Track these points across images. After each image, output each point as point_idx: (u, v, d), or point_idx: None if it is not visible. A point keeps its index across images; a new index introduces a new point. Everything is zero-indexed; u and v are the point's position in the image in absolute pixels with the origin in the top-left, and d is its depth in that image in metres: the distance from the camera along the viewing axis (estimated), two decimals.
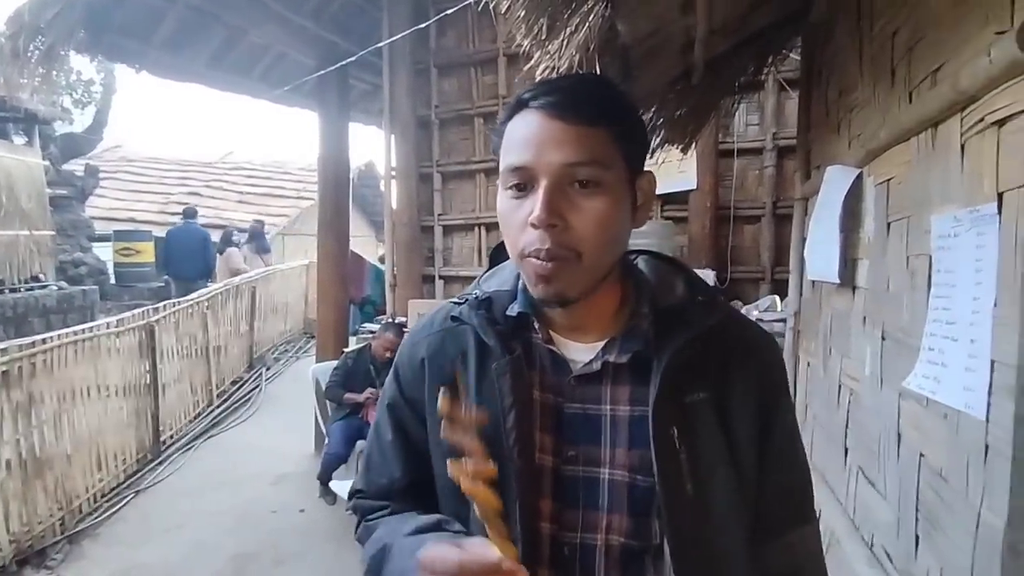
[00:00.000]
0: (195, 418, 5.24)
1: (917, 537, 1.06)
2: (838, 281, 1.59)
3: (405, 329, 3.94)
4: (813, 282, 2.02)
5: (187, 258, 7.75)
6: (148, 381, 4.42)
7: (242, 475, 4.25)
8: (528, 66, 1.73)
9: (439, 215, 4.29)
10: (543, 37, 1.62)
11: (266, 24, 4.07)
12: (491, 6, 1.76)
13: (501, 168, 0.66)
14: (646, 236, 3.70)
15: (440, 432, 0.65)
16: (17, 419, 3.03)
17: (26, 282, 6.57)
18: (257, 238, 9.05)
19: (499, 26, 3.95)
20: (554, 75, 1.76)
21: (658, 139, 2.40)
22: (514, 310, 0.73)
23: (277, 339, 8.13)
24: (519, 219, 0.63)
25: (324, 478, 3.73)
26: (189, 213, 8.27)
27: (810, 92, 2.26)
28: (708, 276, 3.69)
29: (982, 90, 0.85)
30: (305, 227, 11.95)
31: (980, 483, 0.84)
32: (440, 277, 4.31)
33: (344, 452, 3.66)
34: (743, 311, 3.52)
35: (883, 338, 1.28)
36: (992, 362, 0.81)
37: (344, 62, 3.83)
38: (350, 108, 4.74)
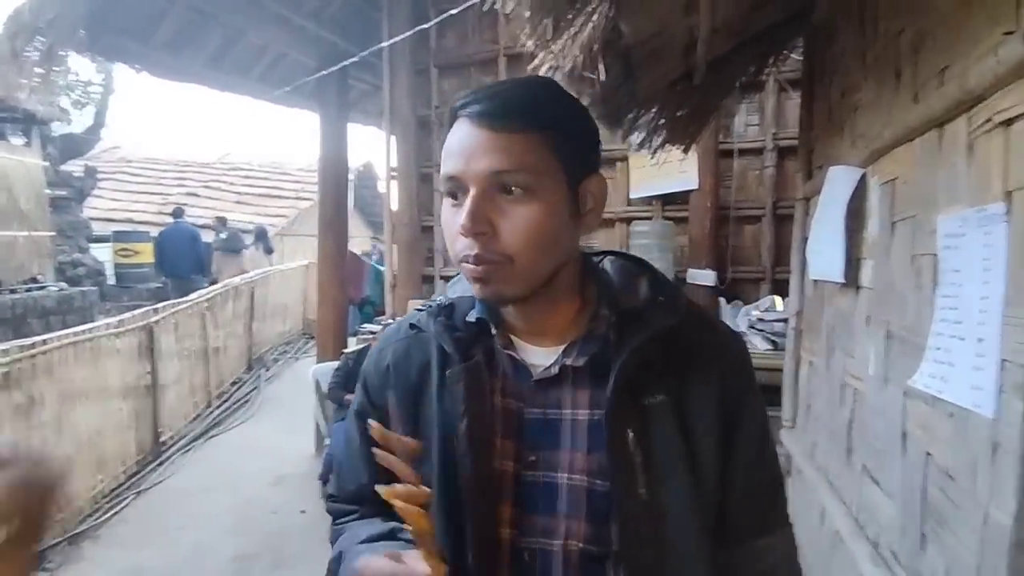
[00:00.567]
0: (194, 419, 5.24)
1: (923, 535, 1.06)
2: (842, 280, 1.59)
3: None
4: (815, 281, 2.02)
5: (179, 256, 7.98)
6: (148, 382, 4.42)
7: (242, 476, 4.25)
8: (532, 66, 1.73)
9: (439, 215, 4.29)
10: (548, 37, 1.62)
11: (265, 24, 4.07)
12: (494, 6, 1.76)
13: (440, 176, 0.68)
14: (646, 236, 3.72)
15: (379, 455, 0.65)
16: (17, 420, 3.02)
17: (25, 283, 6.55)
18: (262, 239, 9.12)
19: (500, 27, 3.95)
20: (556, 74, 1.76)
21: (659, 139, 2.40)
22: (473, 316, 0.73)
23: (276, 340, 8.13)
24: (455, 226, 0.64)
25: (326, 478, 3.72)
26: (177, 212, 8.50)
27: (812, 92, 2.27)
28: (708, 276, 3.70)
29: (989, 90, 0.86)
30: (303, 228, 11.95)
31: (988, 481, 0.84)
32: (441, 277, 4.31)
33: None
34: (744, 311, 3.53)
35: (888, 337, 1.28)
36: (1002, 361, 0.81)
37: (344, 63, 3.84)
38: (350, 108, 4.75)
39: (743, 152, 3.77)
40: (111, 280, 9.61)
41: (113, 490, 3.86)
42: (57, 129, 9.47)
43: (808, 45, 2.33)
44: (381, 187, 14.03)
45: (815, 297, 2.08)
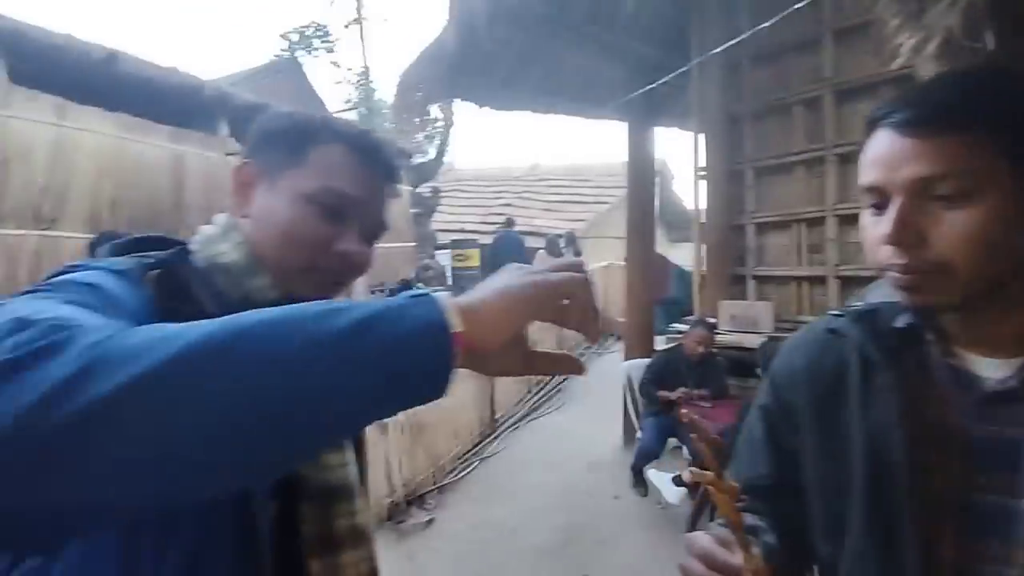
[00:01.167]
0: (519, 403, 5.99)
1: None
2: None
3: (716, 329, 3.89)
4: None
5: (508, 259, 9.14)
6: None
7: (559, 457, 4.72)
8: (893, 50, 1.56)
9: (752, 213, 4.10)
10: (915, 11, 1.45)
11: (582, 48, 4.45)
12: None
13: (859, 186, 0.65)
14: None
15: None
16: None
17: (399, 284, 8.35)
18: (572, 244, 10.06)
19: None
20: (928, 50, 1.56)
21: None
22: (902, 322, 0.69)
23: (581, 337, 8.75)
24: (877, 234, 0.62)
25: (637, 469, 3.91)
26: (509, 223, 10.08)
27: None
28: None
29: None
30: (602, 231, 12.60)
31: None
32: (753, 277, 4.12)
33: (657, 446, 3.79)
34: None
35: None
36: None
37: (671, 75, 3.96)
38: (655, 113, 4.86)
39: None
40: (448, 281, 11.63)
41: (464, 454, 4.69)
42: (415, 160, 11.81)
43: None
44: (675, 186, 14.00)
45: None
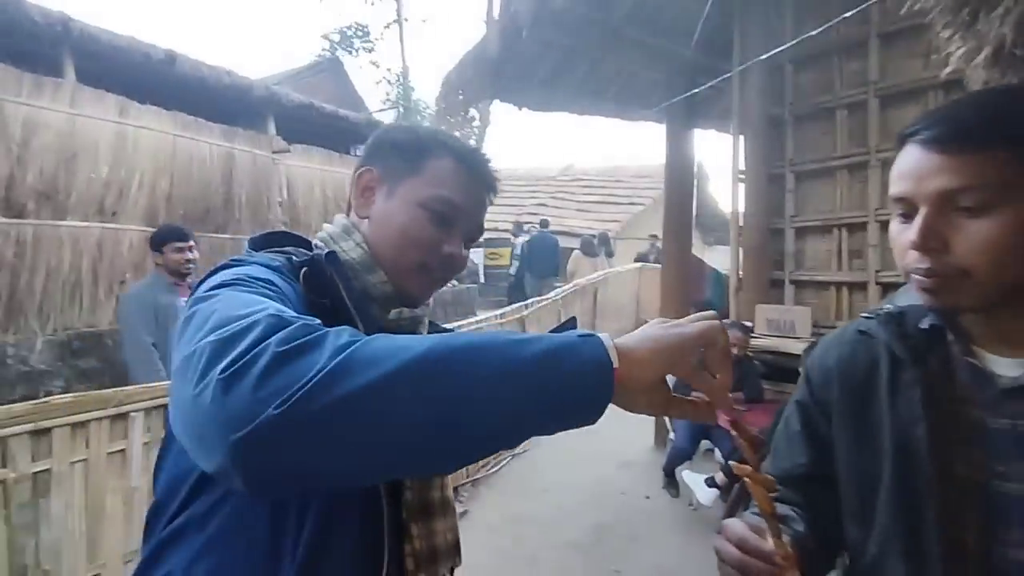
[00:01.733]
0: None
1: None
2: None
3: (753, 332, 3.89)
4: None
5: (543, 259, 9.62)
6: None
7: (591, 456, 4.76)
8: (943, 57, 1.58)
9: (791, 217, 4.08)
10: (968, 20, 1.47)
11: (622, 50, 4.48)
12: None
13: (889, 196, 0.72)
14: None
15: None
16: None
17: None
18: (604, 244, 10.15)
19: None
20: (978, 59, 1.58)
21: None
22: (926, 323, 0.75)
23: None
24: (903, 242, 0.68)
25: (669, 470, 3.94)
26: (544, 224, 10.31)
27: None
28: None
29: None
30: (636, 231, 12.55)
31: None
32: (791, 282, 4.10)
33: (690, 448, 3.81)
34: None
35: None
36: None
37: (715, 81, 3.98)
38: (695, 116, 4.86)
39: None
40: (481, 279, 11.76)
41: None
42: None
43: None
44: (710, 188, 13.86)
45: None
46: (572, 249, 10.10)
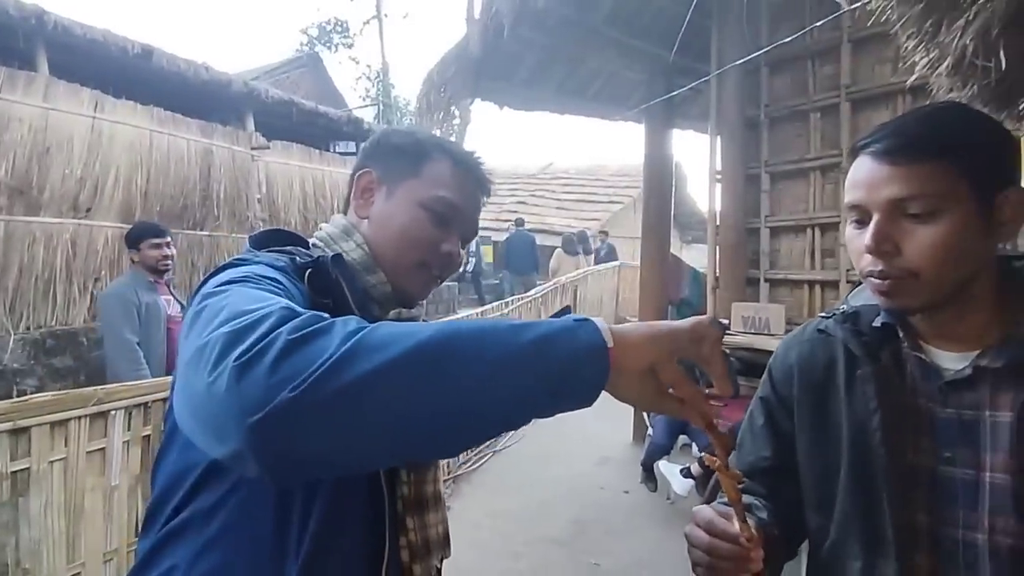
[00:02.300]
0: None
1: None
2: None
3: (729, 330, 3.97)
4: None
5: (521, 257, 9.98)
6: None
7: (570, 452, 4.82)
8: (909, 64, 1.65)
9: (766, 217, 4.17)
10: (931, 32, 1.54)
11: (602, 50, 4.53)
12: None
13: (844, 204, 0.78)
14: None
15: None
16: None
17: None
18: (583, 242, 10.28)
19: (847, 2, 3.65)
20: (941, 68, 1.65)
21: None
22: (879, 322, 0.81)
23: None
24: (859, 245, 0.74)
25: (647, 465, 4.01)
26: (519, 222, 10.61)
27: None
28: None
29: None
30: (615, 230, 12.67)
31: None
32: (766, 280, 4.19)
33: (668, 443, 3.89)
34: None
35: None
36: None
37: (693, 83, 4.04)
38: (673, 116, 4.94)
39: None
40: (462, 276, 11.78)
41: (477, 447, 4.80)
42: None
43: None
44: (689, 188, 14.02)
45: None
46: (552, 247, 10.27)
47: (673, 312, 5.41)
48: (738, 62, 3.79)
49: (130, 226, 3.30)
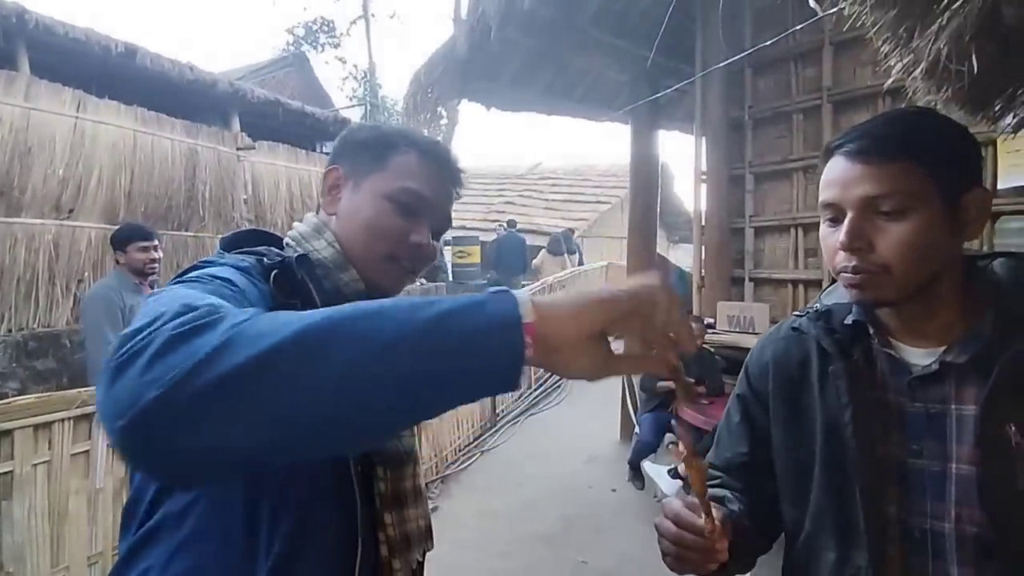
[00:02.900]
0: (519, 398, 6.11)
1: None
2: None
3: (714, 328, 4.02)
4: None
5: (511, 258, 9.97)
6: None
7: (559, 451, 4.85)
8: (885, 68, 1.69)
9: (750, 217, 4.22)
10: (905, 37, 1.58)
11: (589, 51, 4.56)
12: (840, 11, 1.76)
13: (819, 203, 0.80)
14: (1021, 235, 3.09)
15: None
16: None
17: None
18: (567, 241, 10.29)
19: (822, 9, 3.70)
20: (916, 72, 1.69)
21: None
22: (850, 319, 0.83)
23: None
24: (832, 243, 0.77)
25: (634, 463, 4.05)
26: (511, 224, 10.59)
27: None
28: None
29: None
30: (603, 230, 12.72)
31: None
32: (750, 279, 4.24)
33: (654, 441, 3.92)
34: None
35: None
36: None
37: (677, 85, 4.08)
38: (659, 116, 4.98)
39: None
40: (449, 277, 11.75)
41: (466, 446, 4.81)
42: None
43: None
44: (675, 188, 14.11)
45: None
46: (540, 247, 10.31)
47: None
48: (722, 64, 3.84)
49: (114, 227, 3.28)
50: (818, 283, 3.88)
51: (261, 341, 0.44)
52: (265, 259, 0.73)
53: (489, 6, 3.74)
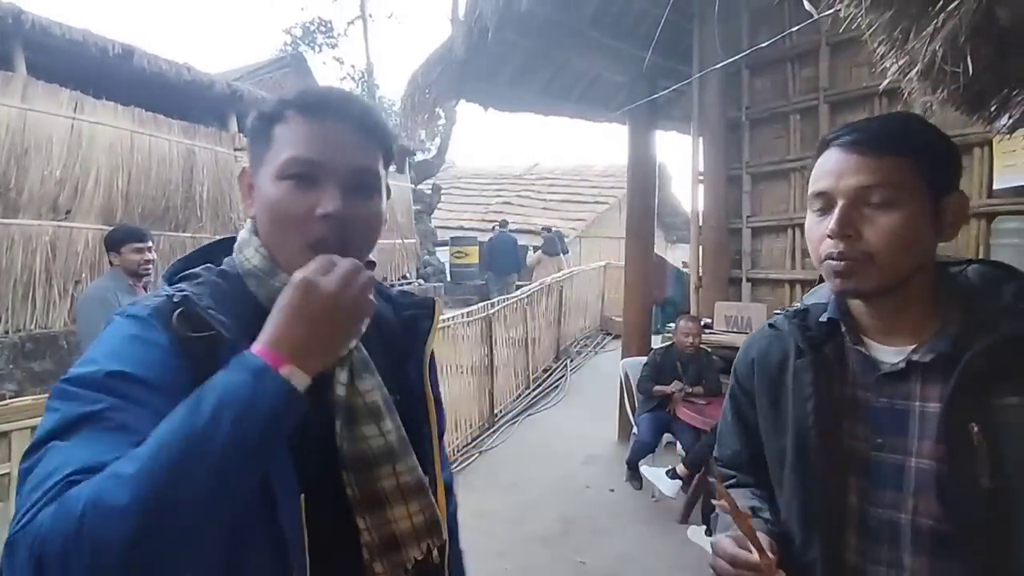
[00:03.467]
0: (517, 398, 6.12)
1: None
2: None
3: (708, 329, 4.03)
4: None
5: (504, 257, 10.17)
6: (486, 363, 5.37)
7: (557, 452, 4.85)
8: (881, 69, 1.70)
9: (748, 217, 4.23)
10: (900, 39, 1.58)
11: (586, 51, 4.56)
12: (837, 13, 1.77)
13: (808, 195, 0.83)
14: (1016, 235, 3.11)
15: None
16: None
17: (398, 280, 8.48)
18: (561, 242, 10.35)
19: (818, 11, 3.71)
20: (912, 73, 1.69)
21: None
22: (824, 317, 0.87)
23: (578, 334, 8.87)
24: (820, 232, 0.79)
25: (632, 463, 4.05)
26: (503, 224, 10.76)
27: None
28: None
29: None
30: (601, 230, 12.74)
31: None
32: (747, 279, 4.25)
33: (652, 442, 3.93)
34: None
35: None
36: None
37: (675, 86, 4.09)
38: (657, 117, 4.98)
39: None
40: (447, 277, 11.76)
41: (464, 447, 4.81)
42: (417, 157, 11.93)
43: None
44: (673, 188, 14.14)
45: None
46: (538, 247, 10.38)
47: (658, 311, 5.47)
48: (719, 65, 3.85)
49: (111, 228, 3.27)
50: (815, 283, 3.88)
51: (110, 539, 0.49)
52: (174, 297, 0.68)
53: (487, 7, 3.75)
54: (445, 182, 15.69)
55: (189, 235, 5.77)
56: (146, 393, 0.61)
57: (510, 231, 10.78)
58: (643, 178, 5.01)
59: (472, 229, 12.90)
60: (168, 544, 0.52)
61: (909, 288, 0.78)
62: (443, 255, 12.19)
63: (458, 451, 4.69)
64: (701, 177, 4.34)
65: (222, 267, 0.77)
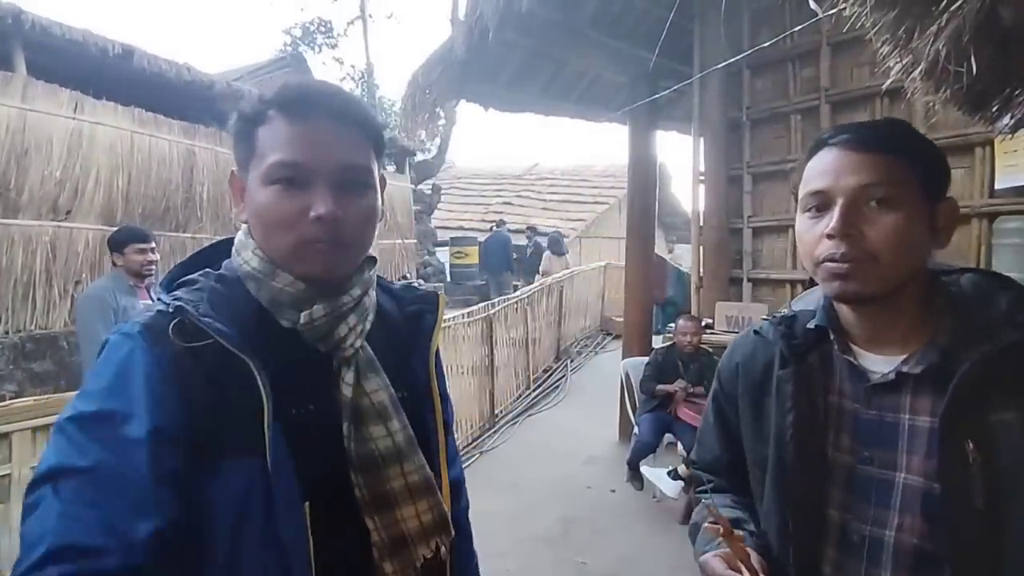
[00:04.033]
0: (517, 398, 6.11)
1: None
2: None
3: (709, 329, 4.03)
4: None
5: (496, 256, 10.47)
6: (487, 363, 5.37)
7: (558, 452, 4.84)
8: (885, 69, 1.70)
9: (749, 217, 4.23)
10: (904, 38, 1.58)
11: (587, 52, 4.56)
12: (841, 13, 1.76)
13: (800, 196, 0.80)
14: (1018, 235, 3.10)
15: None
16: None
17: (399, 280, 8.49)
18: (556, 244, 10.45)
19: (822, 10, 3.71)
20: (915, 72, 1.69)
21: None
22: (812, 324, 0.84)
23: (578, 335, 8.87)
24: (815, 234, 0.76)
25: (633, 464, 4.04)
26: (499, 223, 11.11)
27: None
28: None
29: None
30: (601, 231, 12.73)
31: None
32: (748, 280, 4.25)
33: (653, 442, 3.92)
34: None
35: None
36: None
37: (676, 86, 4.08)
38: (658, 117, 4.98)
39: None
40: (447, 277, 11.76)
41: (465, 447, 4.81)
42: (417, 158, 11.92)
43: None
44: (673, 188, 14.14)
45: None
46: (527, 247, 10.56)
47: (658, 312, 5.47)
48: (720, 65, 3.85)
49: (112, 229, 3.28)
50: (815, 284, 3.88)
51: None
52: (170, 308, 0.68)
53: (487, 7, 3.74)
54: (445, 182, 15.68)
55: (189, 235, 5.77)
56: (136, 427, 0.62)
57: (507, 231, 10.87)
58: (643, 178, 5.01)
59: (472, 229, 12.90)
60: None
61: (901, 296, 0.76)
62: (443, 255, 12.19)
63: (459, 451, 4.68)
64: (702, 177, 4.34)
65: (221, 271, 0.76)
